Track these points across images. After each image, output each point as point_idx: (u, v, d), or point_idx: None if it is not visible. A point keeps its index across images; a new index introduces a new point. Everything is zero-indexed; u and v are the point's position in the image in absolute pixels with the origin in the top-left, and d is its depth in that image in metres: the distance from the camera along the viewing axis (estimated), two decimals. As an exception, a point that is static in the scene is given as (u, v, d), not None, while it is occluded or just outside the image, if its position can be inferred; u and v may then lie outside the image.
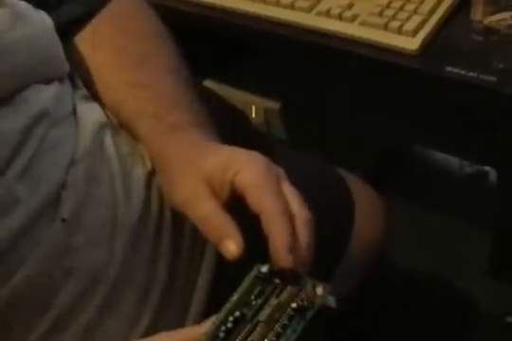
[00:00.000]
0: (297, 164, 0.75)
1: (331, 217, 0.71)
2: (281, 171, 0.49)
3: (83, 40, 0.60)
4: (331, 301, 0.44)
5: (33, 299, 0.47)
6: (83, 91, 0.58)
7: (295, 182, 0.71)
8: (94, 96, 0.58)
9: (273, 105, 0.97)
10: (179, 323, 0.53)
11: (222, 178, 0.46)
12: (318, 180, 0.73)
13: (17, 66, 0.51)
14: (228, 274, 0.48)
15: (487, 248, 0.87)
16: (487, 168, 1.05)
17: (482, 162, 0.99)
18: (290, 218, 0.45)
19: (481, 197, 1.00)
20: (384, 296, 0.91)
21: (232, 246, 0.44)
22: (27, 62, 0.52)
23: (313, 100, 0.98)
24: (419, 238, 1.02)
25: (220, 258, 0.56)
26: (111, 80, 0.57)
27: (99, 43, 0.59)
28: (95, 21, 0.61)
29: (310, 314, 0.43)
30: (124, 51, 0.58)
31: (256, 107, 0.96)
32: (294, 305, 0.43)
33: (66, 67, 0.57)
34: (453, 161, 1.09)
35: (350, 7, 0.76)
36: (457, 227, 1.04)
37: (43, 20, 0.55)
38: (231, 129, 0.73)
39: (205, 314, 0.53)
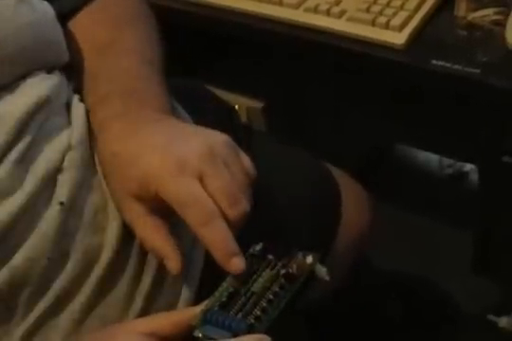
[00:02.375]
0: (284, 159, 0.76)
1: (319, 210, 0.71)
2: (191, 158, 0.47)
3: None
4: (323, 272, 0.45)
5: (32, 281, 0.48)
6: (76, 81, 0.59)
7: (283, 176, 0.72)
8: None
9: (256, 104, 0.97)
10: (171, 307, 0.53)
11: (148, 192, 0.47)
12: (305, 174, 0.74)
13: (21, 52, 0.52)
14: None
15: (469, 247, 0.88)
16: (467, 168, 1.07)
17: (464, 159, 1.01)
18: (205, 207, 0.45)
19: (461, 197, 1.02)
20: (365, 295, 0.91)
21: (170, 265, 0.47)
22: (31, 47, 0.53)
23: (296, 99, 0.99)
24: (401, 238, 1.03)
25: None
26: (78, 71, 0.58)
27: (73, 33, 0.60)
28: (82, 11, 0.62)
29: (300, 280, 0.44)
30: (91, 39, 0.59)
31: (239, 106, 0.97)
32: (283, 271, 0.44)
33: (67, 55, 0.58)
34: (434, 161, 1.11)
35: (337, 3, 0.77)
36: (439, 227, 1.05)
37: (45, 8, 0.56)
38: (221, 124, 0.74)
39: (196, 301, 0.52)
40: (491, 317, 0.83)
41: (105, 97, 0.54)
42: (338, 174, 0.77)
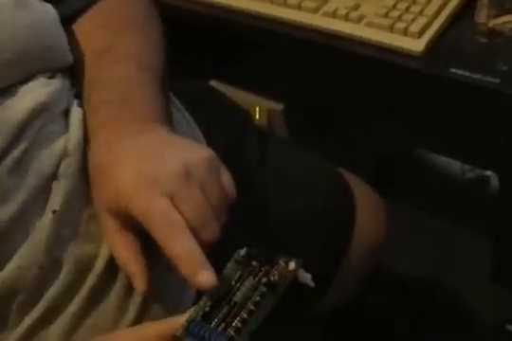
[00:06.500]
0: (299, 164, 0.76)
1: (333, 217, 0.71)
2: (170, 182, 0.45)
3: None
4: (307, 278, 0.44)
5: (24, 290, 0.48)
6: (78, 87, 0.58)
7: (296, 182, 0.72)
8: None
9: (276, 106, 0.97)
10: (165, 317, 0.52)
11: (119, 207, 0.46)
12: (320, 180, 0.74)
13: (20, 55, 0.51)
14: (217, 270, 0.46)
15: (488, 254, 0.87)
16: (489, 172, 1.05)
17: (483, 166, 0.99)
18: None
19: (482, 202, 1.00)
20: (383, 301, 0.90)
21: (137, 283, 0.45)
22: (30, 50, 0.52)
23: (316, 102, 0.98)
24: (420, 243, 1.02)
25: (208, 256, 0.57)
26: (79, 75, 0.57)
27: (75, 37, 0.59)
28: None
29: (281, 289, 0.42)
30: (90, 44, 0.58)
31: (259, 108, 0.97)
32: (264, 280, 0.42)
33: (70, 59, 0.56)
34: (455, 166, 1.09)
35: (356, 8, 0.76)
36: (458, 233, 1.03)
37: (46, 10, 0.55)
38: (233, 128, 0.74)
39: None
40: (509, 328, 0.82)
41: (97, 104, 0.53)
42: (354, 182, 0.76)
